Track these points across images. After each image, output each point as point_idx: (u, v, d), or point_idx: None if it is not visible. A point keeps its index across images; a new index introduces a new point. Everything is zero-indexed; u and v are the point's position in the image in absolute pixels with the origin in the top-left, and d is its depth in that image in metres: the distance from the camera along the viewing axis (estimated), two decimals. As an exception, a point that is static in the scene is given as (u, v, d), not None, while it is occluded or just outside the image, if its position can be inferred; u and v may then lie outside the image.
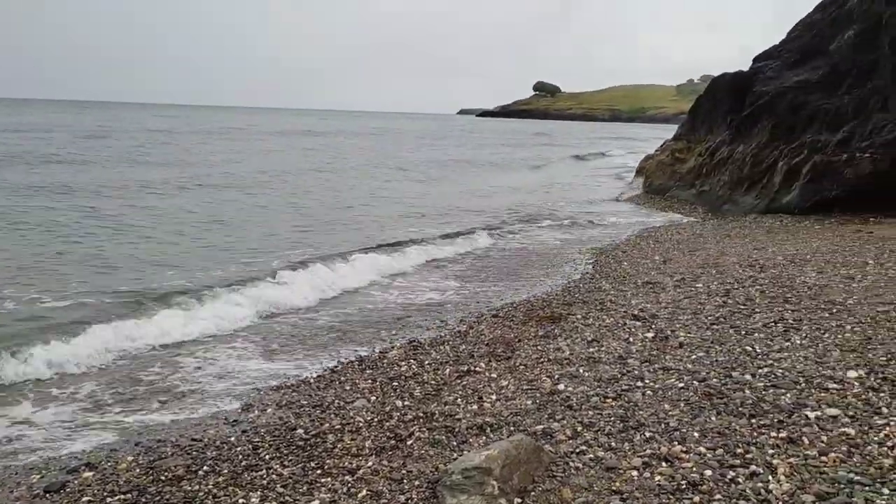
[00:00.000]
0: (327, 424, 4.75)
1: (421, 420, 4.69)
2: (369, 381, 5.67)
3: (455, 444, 4.25)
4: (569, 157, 46.10)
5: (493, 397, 5.00)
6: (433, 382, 5.48)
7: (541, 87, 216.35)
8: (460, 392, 5.18)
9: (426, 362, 6.04)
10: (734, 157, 18.40)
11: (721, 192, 18.71)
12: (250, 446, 4.50)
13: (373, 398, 5.23)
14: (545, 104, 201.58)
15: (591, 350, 5.98)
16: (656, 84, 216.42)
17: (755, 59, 19.00)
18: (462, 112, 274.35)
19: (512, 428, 4.41)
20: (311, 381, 5.85)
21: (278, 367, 6.46)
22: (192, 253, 11.45)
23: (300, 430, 4.69)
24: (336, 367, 6.20)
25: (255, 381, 6.06)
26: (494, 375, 5.52)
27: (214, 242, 12.47)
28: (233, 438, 4.69)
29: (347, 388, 5.56)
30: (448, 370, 5.73)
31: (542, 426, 4.38)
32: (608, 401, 4.72)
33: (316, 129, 72.29)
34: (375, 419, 4.77)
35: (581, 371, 5.41)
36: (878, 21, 15.28)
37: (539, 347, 6.21)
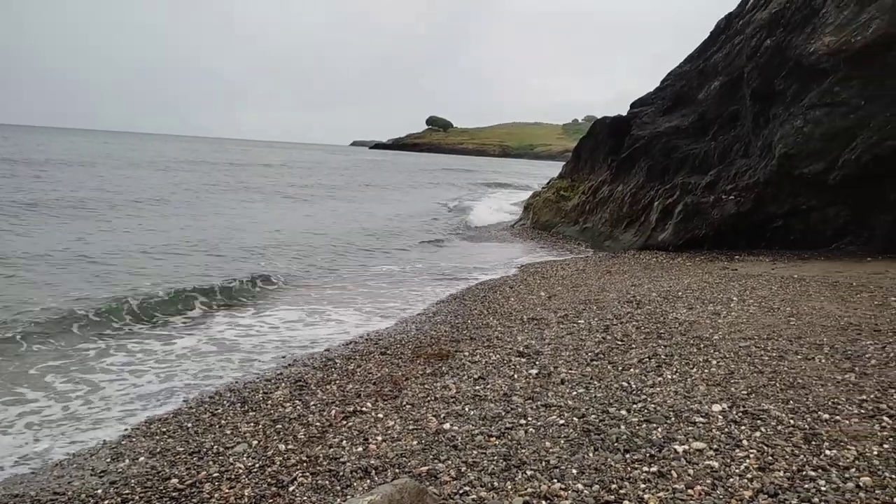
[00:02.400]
0: (204, 472, 4.56)
1: (304, 464, 4.59)
2: (251, 423, 5.50)
3: (339, 488, 4.18)
4: (456, 189, 46.93)
5: (379, 438, 4.97)
6: (318, 424, 5.38)
7: (433, 122, 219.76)
8: (346, 434, 5.12)
9: (312, 403, 5.93)
10: (614, 196, 19.36)
11: (603, 229, 19.60)
12: (119, 499, 4.24)
13: (254, 442, 5.07)
14: (438, 138, 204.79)
15: (478, 388, 6.06)
16: (544, 122, 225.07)
17: (632, 105, 20.19)
18: (355, 143, 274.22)
19: (397, 470, 4.39)
20: (189, 426, 5.59)
21: (154, 413, 6.15)
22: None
23: (174, 480, 4.47)
24: (217, 410, 5.96)
25: (125, 428, 5.74)
26: (381, 416, 5.49)
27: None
28: (99, 491, 4.40)
29: (228, 432, 5.37)
30: (334, 411, 5.64)
31: (427, 467, 4.38)
32: (492, 439, 4.80)
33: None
34: (257, 465, 4.63)
35: (467, 409, 5.47)
36: (740, 74, 16.62)
37: (426, 386, 6.24)
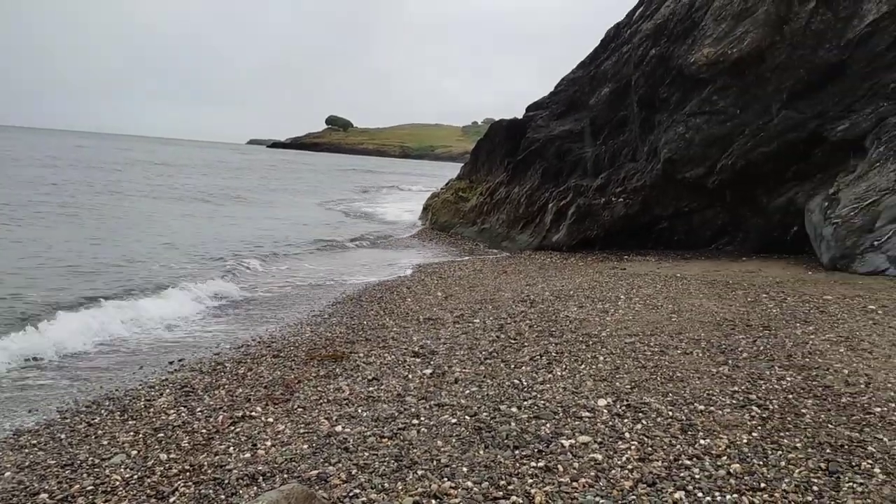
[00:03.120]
0: (77, 486, 4.29)
1: (187, 473, 4.40)
2: (131, 433, 5.22)
3: (223, 497, 4.04)
4: (357, 191, 46.63)
5: (269, 443, 4.83)
6: (204, 431, 5.17)
7: (333, 122, 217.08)
8: (233, 440, 4.95)
9: (198, 409, 5.70)
10: (511, 197, 19.76)
11: (500, 229, 19.96)
12: (-21, 519, 3.93)
13: (133, 452, 4.82)
14: (338, 138, 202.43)
15: (371, 389, 6.02)
16: (444, 124, 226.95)
17: (528, 109, 20.67)
18: (252, 142, 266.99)
19: (286, 475, 4.28)
20: (63, 437, 5.25)
21: (23, 424, 5.74)
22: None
23: (44, 495, 4.19)
24: (93, 419, 5.63)
25: (-8, 441, 5.33)
26: (271, 420, 5.35)
27: None
28: (-43, 511, 4.07)
29: (105, 442, 5.08)
30: (221, 416, 5.45)
31: (317, 471, 4.30)
32: (384, 440, 4.77)
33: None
34: (135, 476, 4.40)
35: (360, 411, 5.42)
36: (627, 82, 17.34)
37: (319, 388, 6.13)
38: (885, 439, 4.49)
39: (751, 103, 14.40)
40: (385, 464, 4.37)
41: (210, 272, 13.30)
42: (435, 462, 4.36)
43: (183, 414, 5.61)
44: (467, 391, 5.81)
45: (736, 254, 16.08)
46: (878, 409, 5.01)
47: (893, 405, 5.09)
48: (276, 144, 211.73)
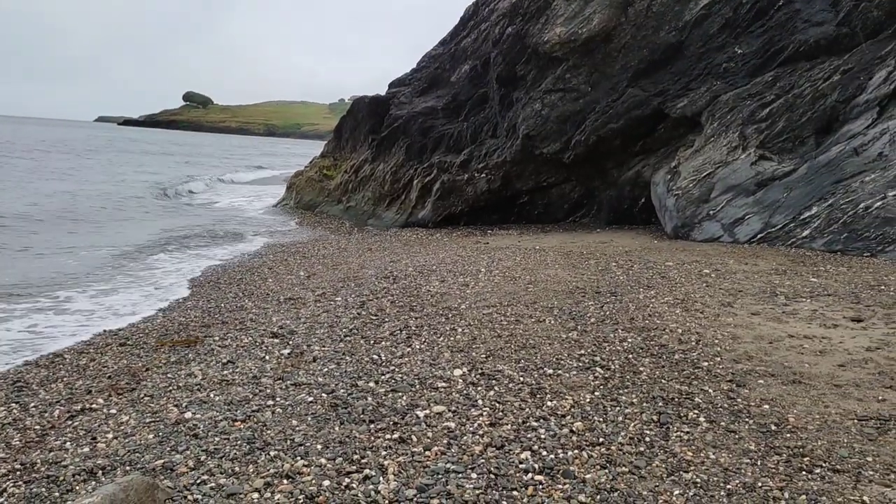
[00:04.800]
0: None
1: (18, 473, 4.09)
2: (-47, 436, 4.78)
3: (57, 495, 3.78)
4: (223, 172, 44.82)
5: (110, 436, 4.58)
6: (38, 427, 4.82)
7: (191, 98, 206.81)
8: (70, 435, 4.64)
9: (31, 405, 5.29)
10: (376, 174, 19.68)
11: (366, 207, 19.87)
12: None
13: (-45, 457, 4.41)
14: (197, 115, 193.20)
15: (226, 372, 5.83)
16: (310, 102, 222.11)
17: (390, 85, 20.62)
18: (101, 119, 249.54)
19: (128, 467, 4.08)
20: None
21: None
22: None
23: None
24: None
25: None
26: (114, 411, 5.06)
27: None
28: None
29: (-79, 448, 4.61)
30: (58, 411, 5.10)
31: (162, 461, 4.12)
32: (237, 424, 4.64)
33: None
34: (-44, 482, 4.03)
35: (212, 396, 5.24)
36: (487, 59, 17.67)
37: (169, 375, 5.87)
38: (709, 390, 4.90)
39: (600, 81, 15.09)
40: (237, 447, 4.25)
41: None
42: (289, 442, 4.30)
43: (14, 411, 5.18)
44: (325, 369, 5.77)
45: (591, 225, 16.92)
46: (706, 364, 5.45)
47: (718, 359, 5.56)
48: (128, 122, 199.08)
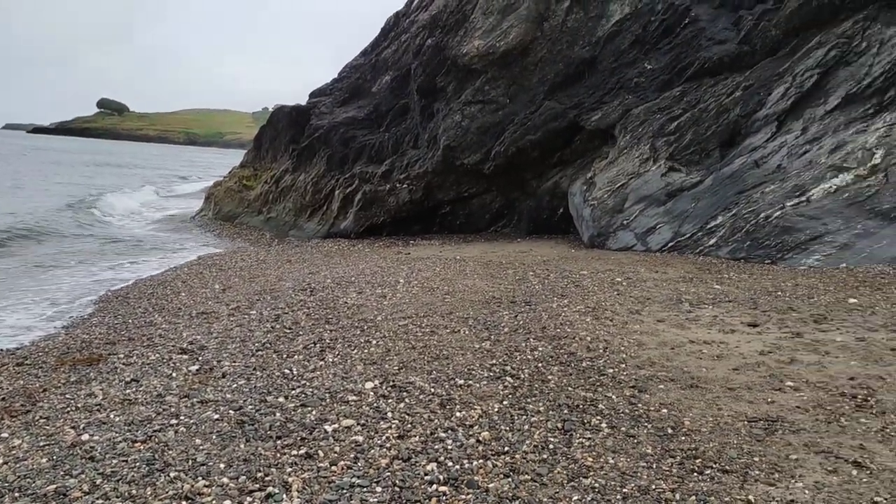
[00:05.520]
0: None
1: None
2: None
3: (-64, 528, 3.58)
4: (139, 182, 43.33)
5: (0, 461, 4.35)
6: (-80, 456, 4.54)
7: (106, 105, 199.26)
8: (-46, 463, 4.39)
9: (-88, 433, 4.98)
10: (297, 185, 19.45)
11: (287, 218, 19.59)
12: None
13: None
14: (113, 123, 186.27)
15: (129, 391, 5.63)
16: (232, 110, 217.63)
17: (311, 95, 20.45)
18: (7, 127, 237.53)
19: (17, 494, 3.88)
20: None
21: None
22: None
23: None
24: None
25: None
26: (6, 435, 4.81)
27: None
28: None
29: None
30: (-58, 438, 4.81)
31: (55, 485, 3.95)
32: (136, 445, 4.49)
33: None
34: None
35: (112, 416, 5.05)
36: (407, 70, 17.75)
37: (68, 395, 5.62)
38: (613, 396, 5.04)
39: (518, 93, 15.39)
40: (135, 469, 4.11)
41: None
42: (191, 462, 4.19)
43: None
44: (234, 385, 5.65)
45: (512, 235, 17.18)
46: (611, 371, 5.61)
47: (623, 366, 5.74)
48: (38, 130, 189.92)
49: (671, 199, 13.20)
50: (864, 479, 3.67)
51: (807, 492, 3.57)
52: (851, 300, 7.81)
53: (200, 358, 6.57)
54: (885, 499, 3.47)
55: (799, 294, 8.37)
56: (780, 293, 8.50)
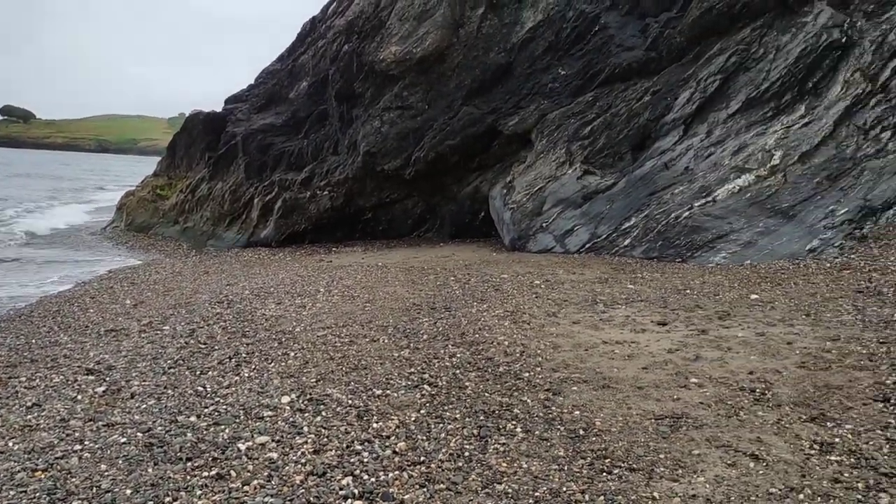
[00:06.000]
0: None
1: None
2: None
3: None
4: (45, 192, 41.29)
5: None
6: None
7: (9, 112, 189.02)
8: None
9: None
10: (214, 193, 18.97)
11: (205, 227, 19.08)
12: None
13: None
14: (17, 131, 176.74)
15: (30, 417, 5.37)
16: (147, 115, 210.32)
17: (227, 101, 20.00)
18: None
19: None
20: None
21: None
22: None
23: None
24: None
25: None
26: None
27: None
28: None
29: None
30: None
31: (-56, 525, 3.73)
32: (37, 474, 4.29)
33: None
34: None
35: (11, 445, 4.80)
36: (325, 76, 17.59)
37: (-39, 426, 5.31)
38: (528, 400, 5.13)
39: (437, 99, 15.47)
40: (35, 501, 3.93)
41: None
42: (95, 489, 4.03)
43: None
44: (144, 406, 5.46)
45: (435, 239, 17.24)
46: (527, 375, 5.71)
47: (539, 369, 5.85)
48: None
49: (587, 201, 13.54)
50: (761, 472, 3.86)
51: (707, 486, 3.73)
52: (753, 296, 8.20)
53: (108, 378, 6.33)
54: (780, 489, 3.66)
55: (706, 291, 8.73)
56: (688, 291, 8.84)
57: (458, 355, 6.37)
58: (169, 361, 6.76)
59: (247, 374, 6.16)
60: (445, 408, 5.07)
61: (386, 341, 7.05)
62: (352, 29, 16.45)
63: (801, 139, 11.82)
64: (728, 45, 13.05)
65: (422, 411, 5.02)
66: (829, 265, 9.66)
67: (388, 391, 5.48)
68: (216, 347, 7.21)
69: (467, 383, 5.58)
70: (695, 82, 13.21)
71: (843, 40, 12.14)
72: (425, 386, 5.56)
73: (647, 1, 13.99)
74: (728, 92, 12.92)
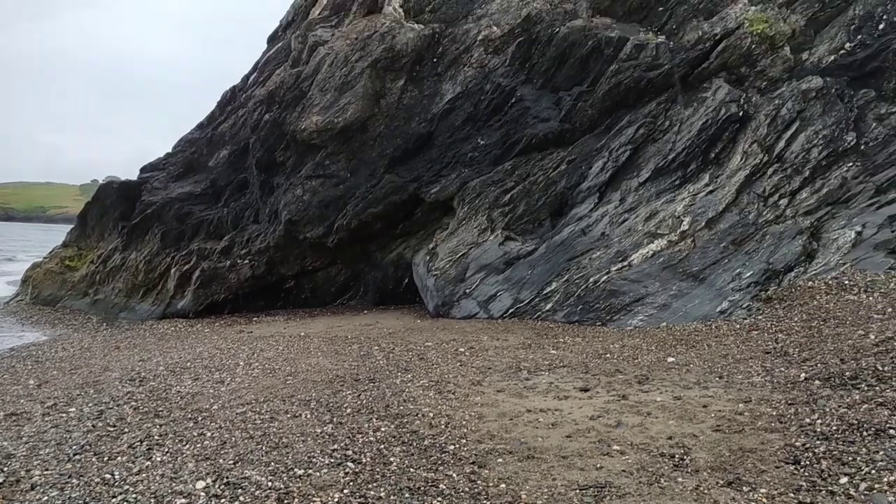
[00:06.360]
0: None
1: None
2: None
3: None
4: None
5: None
6: None
7: None
8: None
9: None
10: (128, 264, 18.32)
11: (117, 299, 18.33)
12: None
13: None
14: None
15: (-86, 517, 4.92)
16: (56, 183, 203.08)
17: (143, 170, 19.59)
18: None
19: None
20: None
21: None
22: None
23: None
24: None
25: None
26: None
27: None
28: None
29: None
30: None
31: None
32: (-81, 584, 3.91)
33: None
34: None
35: None
36: (246, 144, 17.52)
37: None
38: (454, 475, 5.07)
39: (359, 167, 15.60)
40: None
41: None
42: None
43: None
44: (45, 497, 5.10)
45: (359, 307, 17.09)
46: (452, 447, 5.65)
47: (464, 441, 5.80)
48: None
49: (509, 266, 13.77)
50: (683, 538, 3.91)
51: (632, 557, 3.75)
52: (670, 359, 8.45)
53: (6, 468, 5.88)
54: (701, 556, 3.70)
55: (625, 355, 8.94)
56: (608, 355, 9.03)
57: (383, 429, 6.26)
58: (74, 447, 6.35)
59: (159, 459, 5.85)
60: (370, 486, 4.94)
61: (308, 416, 6.86)
62: (273, 98, 16.52)
63: (707, 206, 12.47)
64: (636, 117, 13.76)
65: (345, 491, 4.87)
66: (738, 326, 10.09)
67: (310, 470, 5.30)
68: (126, 430, 6.84)
69: (392, 458, 5.47)
70: (607, 152, 13.81)
71: (741, 114, 13.01)
72: (349, 463, 5.41)
73: (560, 76, 14.64)
74: (638, 161, 13.56)
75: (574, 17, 14.97)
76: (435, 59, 15.76)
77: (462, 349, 10.11)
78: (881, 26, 13.21)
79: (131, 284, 18.12)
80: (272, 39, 20.02)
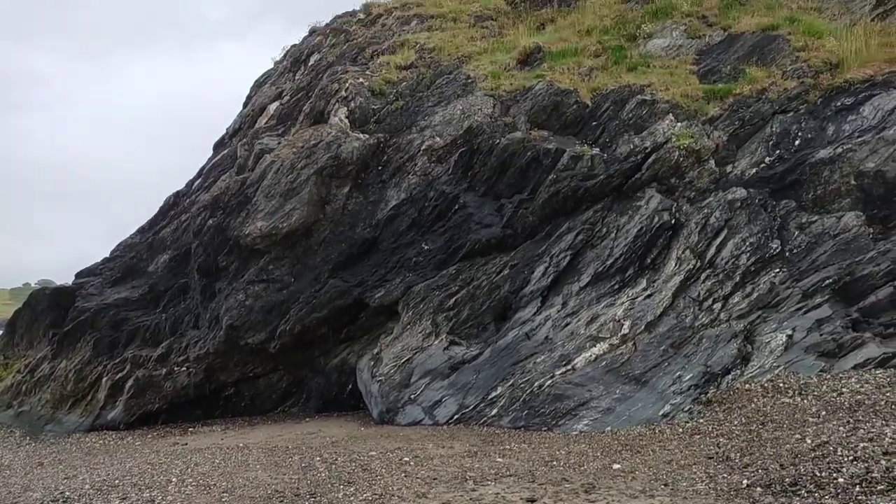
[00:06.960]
0: None
1: None
2: None
3: None
4: None
5: None
6: None
7: None
8: None
9: None
10: (56, 373, 17.51)
11: (43, 411, 17.40)
12: None
13: None
14: None
15: None
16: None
17: (78, 275, 19.12)
18: None
19: None
20: None
21: None
22: None
23: None
24: None
25: None
26: None
27: None
28: None
29: None
30: None
31: None
32: None
33: None
34: None
35: None
36: (187, 249, 17.35)
37: None
38: None
39: (303, 272, 15.57)
40: None
41: None
42: None
43: None
44: None
45: (301, 415, 16.60)
46: (396, 568, 5.43)
47: (408, 560, 5.59)
48: None
49: (454, 371, 13.70)
50: None
51: None
52: (615, 465, 8.43)
53: None
54: None
55: (571, 462, 8.87)
56: (555, 462, 8.95)
57: (324, 550, 5.99)
58: (-15, 581, 5.87)
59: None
60: None
61: (244, 538, 6.53)
62: (217, 204, 16.55)
63: (645, 310, 12.81)
64: (575, 224, 14.25)
65: None
66: (681, 430, 10.18)
67: None
68: (45, 558, 6.37)
69: (333, 584, 5.21)
70: (548, 257, 14.17)
71: (672, 222, 13.61)
72: (287, 590, 5.13)
73: (501, 184, 15.14)
74: (579, 266, 13.93)
75: (513, 129, 15.66)
76: (380, 167, 16.16)
77: (407, 458, 9.87)
78: (797, 142, 14.22)
79: (59, 395, 17.26)
80: (218, 146, 20.28)
